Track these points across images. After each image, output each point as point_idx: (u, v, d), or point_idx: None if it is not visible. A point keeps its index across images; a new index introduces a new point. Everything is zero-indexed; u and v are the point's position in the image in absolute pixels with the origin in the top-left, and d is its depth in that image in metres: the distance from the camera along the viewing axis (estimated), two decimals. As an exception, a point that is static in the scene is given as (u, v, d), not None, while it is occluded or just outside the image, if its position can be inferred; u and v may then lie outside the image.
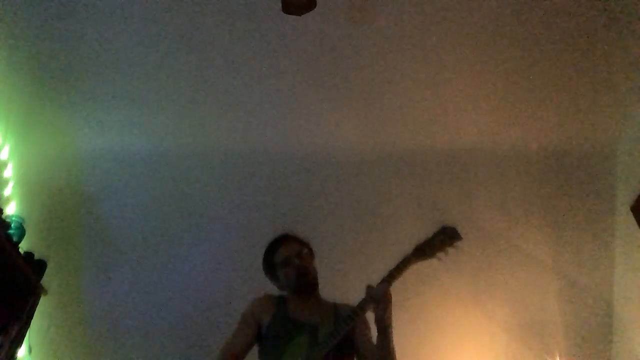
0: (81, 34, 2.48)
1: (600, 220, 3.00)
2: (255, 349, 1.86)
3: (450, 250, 1.75)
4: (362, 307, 1.67)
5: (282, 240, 2.00)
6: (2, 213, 2.44)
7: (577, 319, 3.04)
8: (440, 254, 1.73)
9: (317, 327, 1.74)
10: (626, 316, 2.90)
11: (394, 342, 1.67)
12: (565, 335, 3.04)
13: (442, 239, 1.74)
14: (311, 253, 2.00)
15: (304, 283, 1.87)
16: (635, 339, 2.78)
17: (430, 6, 2.33)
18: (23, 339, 2.48)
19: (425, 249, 1.73)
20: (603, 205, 2.99)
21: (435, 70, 2.64)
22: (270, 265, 1.97)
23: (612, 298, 3.02)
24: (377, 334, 1.67)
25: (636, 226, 2.71)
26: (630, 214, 2.76)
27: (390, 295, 1.66)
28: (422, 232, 3.06)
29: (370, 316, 1.71)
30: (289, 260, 1.91)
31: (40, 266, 2.65)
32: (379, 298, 1.63)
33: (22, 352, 2.51)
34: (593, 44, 2.44)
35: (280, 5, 1.96)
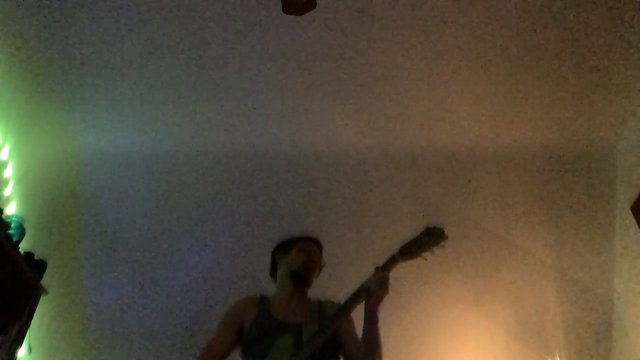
0: (81, 34, 2.48)
1: (600, 220, 3.01)
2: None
3: (438, 249, 1.73)
4: (353, 300, 1.68)
5: (313, 240, 2.04)
6: (2, 213, 2.44)
7: (577, 319, 3.04)
8: (426, 254, 1.72)
9: (300, 327, 1.73)
10: (626, 316, 2.90)
11: (380, 333, 1.67)
12: (565, 335, 3.04)
13: (427, 240, 1.73)
14: (321, 269, 2.03)
15: (303, 273, 1.89)
16: (635, 339, 2.78)
17: (430, 6, 2.33)
18: (23, 339, 2.47)
19: (411, 249, 1.74)
20: (603, 205, 2.99)
21: (435, 70, 2.64)
22: (288, 245, 1.99)
23: (612, 298, 3.02)
24: (364, 323, 1.67)
25: (636, 226, 2.71)
26: (630, 214, 2.76)
27: (388, 284, 1.68)
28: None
29: (359, 309, 1.71)
30: (308, 252, 1.95)
31: (40, 266, 2.64)
32: (380, 282, 1.65)
33: (22, 352, 2.50)
34: (593, 44, 2.44)
35: (280, 5, 1.95)
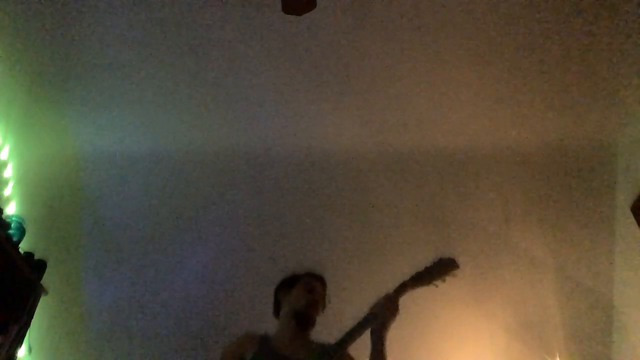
0: (81, 34, 2.48)
1: (600, 220, 3.00)
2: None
3: (451, 278, 1.74)
4: (360, 325, 1.64)
5: (316, 276, 1.99)
6: (2, 213, 2.44)
7: (577, 319, 3.04)
8: (437, 282, 1.73)
9: None
10: (626, 316, 2.90)
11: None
12: (565, 335, 3.04)
13: (440, 270, 1.74)
14: (325, 307, 1.98)
15: (307, 313, 1.84)
16: (635, 339, 2.78)
17: (430, 6, 2.33)
18: (23, 339, 2.47)
19: (423, 278, 1.74)
20: (603, 205, 2.99)
21: (435, 70, 2.64)
22: (290, 283, 1.95)
23: (612, 298, 3.02)
24: (371, 349, 1.62)
25: (636, 226, 2.71)
26: (630, 214, 2.76)
27: (397, 309, 1.66)
28: (423, 231, 3.08)
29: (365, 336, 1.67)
30: (311, 290, 1.89)
31: (40, 266, 2.65)
32: (389, 307, 1.64)
33: (22, 352, 2.50)
34: (593, 44, 2.44)
35: (280, 5, 1.95)
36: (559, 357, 2.99)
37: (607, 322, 3.02)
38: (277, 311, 1.96)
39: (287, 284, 1.96)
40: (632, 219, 2.74)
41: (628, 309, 2.89)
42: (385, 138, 3.00)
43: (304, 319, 1.83)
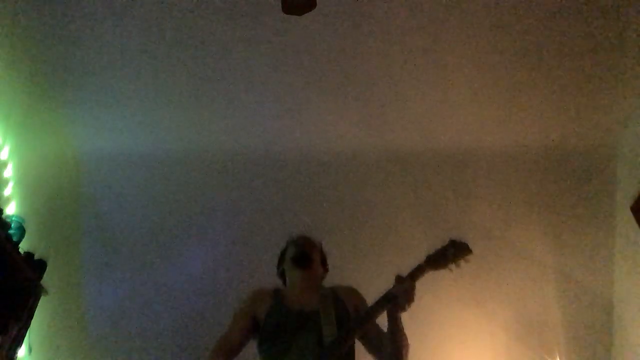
0: (81, 34, 2.48)
1: (600, 220, 3.00)
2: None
3: (464, 263, 1.75)
4: (376, 308, 1.66)
5: (298, 237, 2.07)
6: (2, 213, 2.44)
7: (577, 319, 3.04)
8: (452, 266, 1.74)
9: (317, 313, 1.72)
10: (626, 316, 2.90)
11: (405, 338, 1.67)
12: (565, 335, 3.04)
13: (453, 253, 1.75)
14: (321, 253, 2.04)
15: (301, 252, 1.91)
16: (635, 339, 2.78)
17: (430, 6, 2.33)
18: (23, 339, 2.47)
19: (438, 260, 1.75)
20: (603, 205, 2.99)
21: (435, 71, 2.64)
22: (284, 251, 2.03)
23: (612, 298, 3.02)
24: (388, 331, 1.66)
25: (636, 226, 2.71)
26: (630, 214, 2.76)
27: (414, 293, 1.68)
28: (422, 231, 3.08)
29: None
30: (296, 240, 2.00)
31: (40, 266, 2.64)
32: (407, 292, 1.65)
33: (22, 352, 2.50)
34: (593, 44, 2.44)
35: (280, 5, 1.95)
36: (559, 357, 2.99)
37: (607, 322, 3.02)
38: (284, 281, 2.02)
39: (282, 254, 2.04)
40: (632, 219, 2.74)
41: (628, 309, 2.89)
42: (385, 138, 3.00)
43: (301, 258, 1.90)
